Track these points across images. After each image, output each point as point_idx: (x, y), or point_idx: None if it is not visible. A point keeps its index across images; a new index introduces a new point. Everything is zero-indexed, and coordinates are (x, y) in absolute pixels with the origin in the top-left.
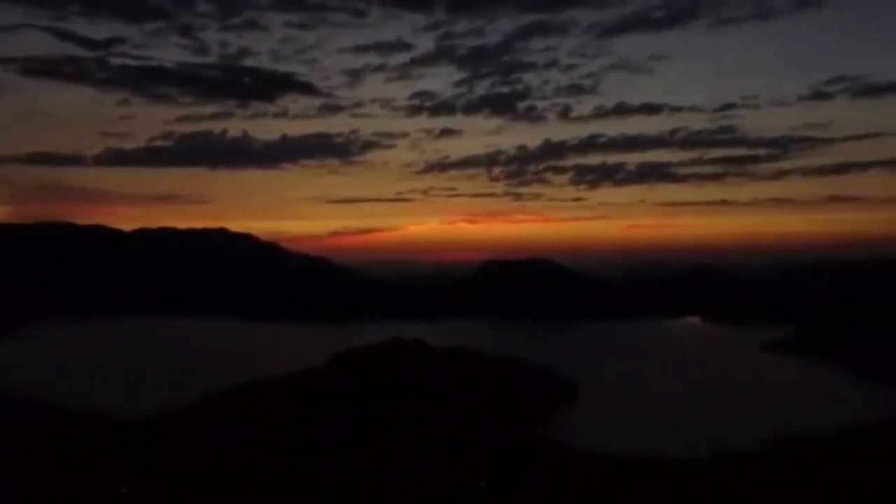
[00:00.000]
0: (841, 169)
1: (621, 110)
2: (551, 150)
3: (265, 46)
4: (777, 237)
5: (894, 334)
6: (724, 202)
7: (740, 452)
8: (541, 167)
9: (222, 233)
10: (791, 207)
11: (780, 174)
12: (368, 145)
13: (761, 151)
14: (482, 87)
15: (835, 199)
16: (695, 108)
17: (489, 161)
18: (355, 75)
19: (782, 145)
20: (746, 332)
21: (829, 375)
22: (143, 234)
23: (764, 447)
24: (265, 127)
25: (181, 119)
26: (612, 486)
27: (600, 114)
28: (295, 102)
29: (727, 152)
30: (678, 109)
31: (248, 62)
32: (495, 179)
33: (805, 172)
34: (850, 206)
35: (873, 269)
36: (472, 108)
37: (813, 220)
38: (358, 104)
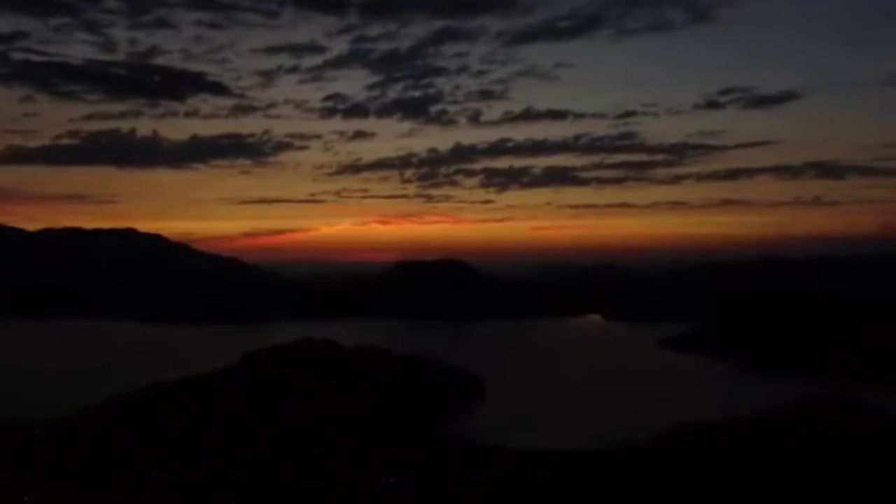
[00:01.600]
0: (732, 174)
1: (529, 116)
2: (462, 154)
3: (176, 45)
4: (674, 238)
5: (780, 329)
6: (624, 205)
7: (639, 444)
8: (451, 170)
9: (131, 233)
10: (687, 210)
11: (677, 179)
12: (281, 146)
13: (659, 157)
14: (395, 91)
15: (727, 203)
16: (598, 115)
17: (401, 163)
18: (268, 76)
19: (678, 152)
20: (645, 328)
21: (721, 369)
22: (48, 235)
23: (662, 438)
24: (175, 126)
25: (88, 117)
26: (519, 480)
27: (509, 119)
28: (206, 102)
29: (628, 157)
30: (582, 116)
31: (158, 61)
32: (407, 181)
33: (699, 177)
34: (741, 210)
35: (762, 268)
36: (384, 112)
37: (707, 223)
38: (271, 105)
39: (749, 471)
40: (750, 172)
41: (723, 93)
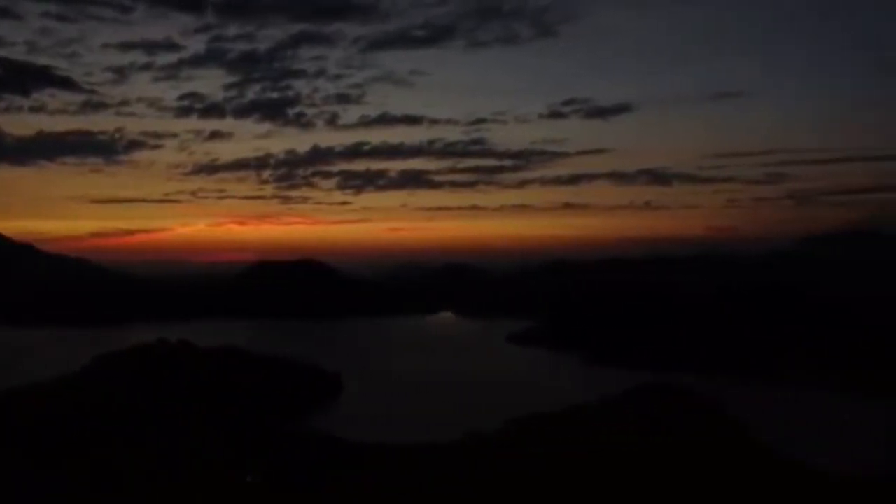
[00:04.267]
0: (574, 179)
1: (385, 120)
2: (319, 156)
3: (20, 37)
4: (521, 239)
5: (619, 324)
6: (475, 207)
7: (489, 433)
8: (309, 171)
9: None
10: (532, 213)
11: (523, 183)
12: (134, 145)
13: (507, 162)
14: (253, 92)
15: (569, 206)
16: (451, 121)
17: (259, 164)
18: (121, 73)
19: (525, 157)
20: (495, 324)
21: (565, 361)
22: None
23: (510, 426)
24: (20, 121)
25: None
26: (376, 474)
27: (365, 123)
28: (54, 97)
29: (478, 162)
30: (436, 121)
31: (1, 52)
32: (265, 182)
33: (544, 182)
34: (582, 213)
35: (601, 267)
36: (242, 112)
37: (551, 224)
38: (123, 102)
39: (589, 454)
40: (589, 178)
41: (565, 103)
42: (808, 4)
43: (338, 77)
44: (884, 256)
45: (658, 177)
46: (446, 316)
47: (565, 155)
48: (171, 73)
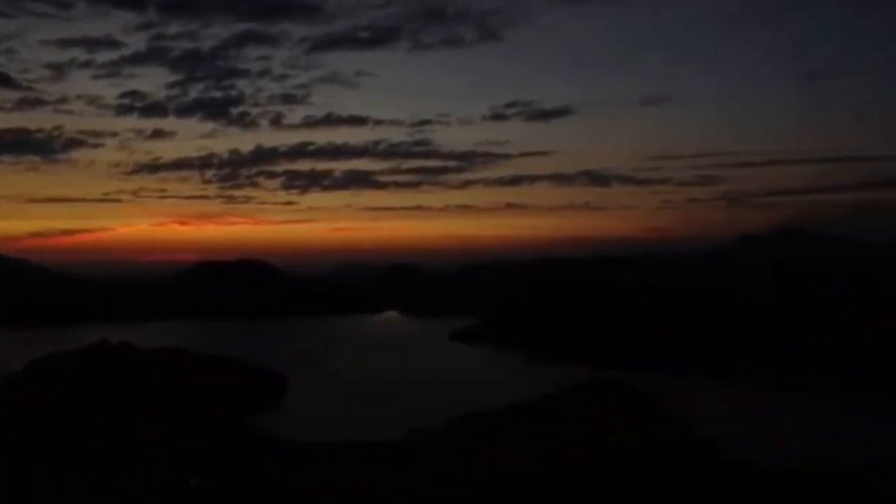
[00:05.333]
0: (516, 181)
1: (330, 121)
2: (263, 156)
3: None
4: (464, 239)
5: (560, 322)
6: (419, 207)
7: (432, 431)
8: (253, 171)
9: None
10: (475, 213)
11: (467, 184)
12: (73, 143)
13: (451, 163)
14: (196, 91)
15: (511, 207)
16: (395, 122)
17: (202, 164)
18: (59, 70)
19: (468, 159)
20: (438, 323)
21: (507, 359)
22: None
23: (453, 424)
24: None
25: None
26: (320, 473)
27: (310, 123)
28: None
29: (422, 163)
30: (381, 122)
31: None
32: (208, 182)
33: (487, 183)
34: (523, 213)
35: (543, 266)
36: (184, 111)
37: (493, 225)
38: (62, 100)
39: (530, 451)
40: (531, 179)
41: (508, 105)
42: (740, 13)
43: (283, 77)
44: (810, 255)
45: (597, 178)
46: (391, 315)
47: (508, 156)
48: (111, 70)
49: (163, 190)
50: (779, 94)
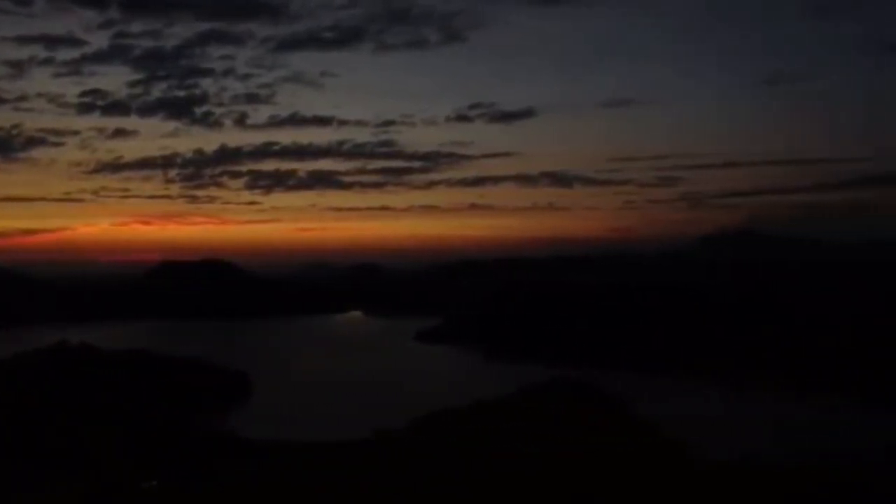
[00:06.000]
0: (479, 181)
1: (294, 121)
2: (228, 156)
3: None
4: (428, 239)
5: (523, 321)
6: (384, 208)
7: (396, 431)
8: (217, 171)
9: None
10: (439, 214)
11: (431, 184)
12: (33, 142)
13: (415, 164)
14: (158, 90)
15: (474, 207)
16: (360, 123)
17: (165, 163)
18: (19, 67)
19: (432, 159)
20: (403, 323)
21: (471, 358)
22: None
23: (417, 423)
24: None
25: None
26: (282, 473)
27: (275, 123)
28: None
29: (387, 164)
30: (345, 123)
31: None
32: (171, 182)
33: (451, 183)
34: (487, 214)
35: (506, 266)
36: (147, 110)
37: (457, 225)
38: (21, 98)
39: (493, 449)
40: (494, 180)
41: (471, 107)
42: (700, 17)
43: (247, 77)
44: (767, 255)
45: (560, 179)
46: (355, 315)
47: (471, 157)
48: (72, 68)
49: (125, 189)
50: (737, 97)
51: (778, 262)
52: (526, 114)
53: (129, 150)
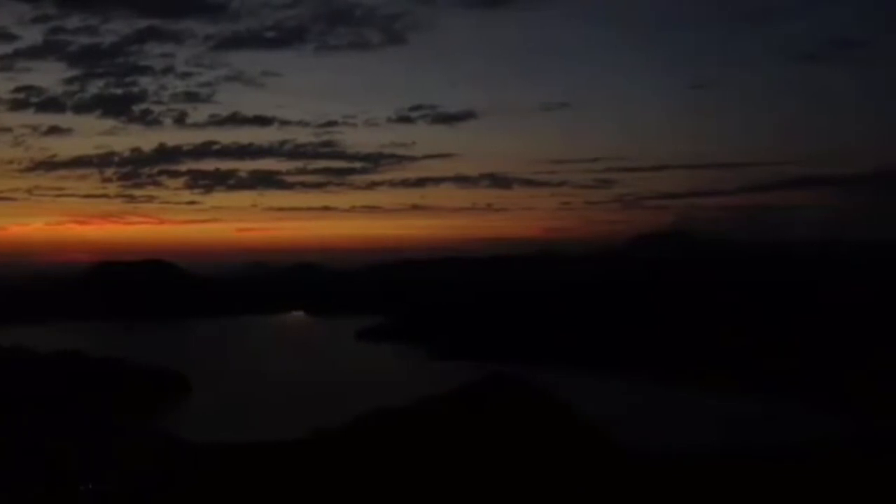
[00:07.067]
0: (421, 182)
1: (235, 120)
2: (167, 155)
3: None
4: (371, 240)
5: (463, 319)
6: (326, 208)
7: (334, 430)
8: (156, 170)
9: None
10: (382, 214)
11: (373, 185)
12: None
13: (357, 165)
14: (95, 87)
15: (416, 208)
16: (302, 123)
17: (101, 162)
18: None
19: (374, 160)
20: (344, 322)
21: (413, 356)
22: None
23: (358, 422)
24: None
25: None
26: (219, 474)
27: (215, 122)
28: None
29: (329, 164)
30: (287, 123)
31: None
32: (108, 181)
33: (393, 184)
34: (428, 214)
35: (447, 266)
36: (83, 108)
37: (399, 225)
38: None
39: (432, 446)
40: (435, 181)
41: (413, 109)
42: (633, 22)
43: (187, 75)
44: (695, 255)
45: (499, 181)
46: (297, 315)
47: (413, 159)
48: (5, 64)
49: (60, 188)
50: (667, 101)
51: (705, 262)
52: (467, 116)
53: (65, 148)
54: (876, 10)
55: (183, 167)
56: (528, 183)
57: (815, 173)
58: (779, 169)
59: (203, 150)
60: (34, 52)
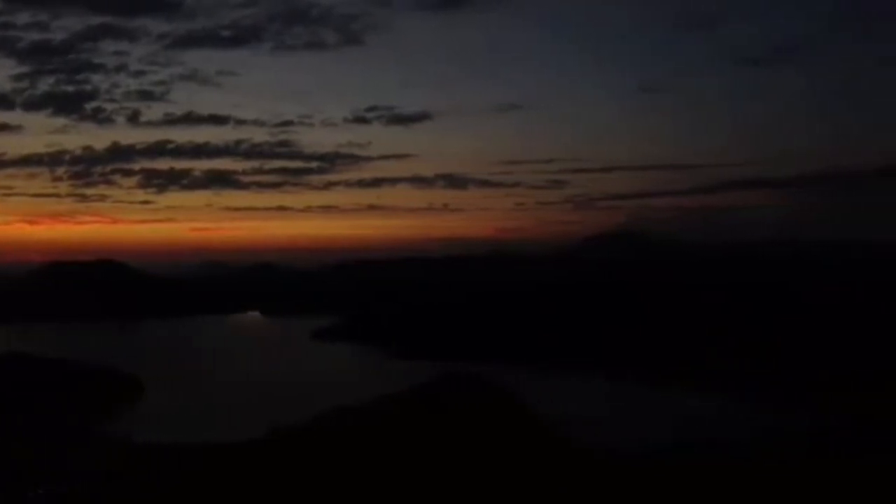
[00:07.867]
0: (376, 182)
1: (190, 119)
2: (119, 153)
3: None
4: (327, 240)
5: (419, 319)
6: (281, 208)
7: (290, 430)
8: (108, 169)
9: None
10: (338, 214)
11: (329, 185)
12: None
13: (314, 164)
14: (46, 84)
15: (372, 208)
16: (258, 123)
17: (52, 161)
18: None
19: (330, 160)
20: (300, 322)
21: (369, 355)
22: None
23: (316, 421)
24: None
25: None
26: (173, 475)
27: (170, 121)
28: None
29: (285, 164)
30: (243, 122)
31: None
32: (59, 180)
33: (349, 184)
34: (384, 214)
35: (403, 265)
36: (33, 105)
37: (355, 226)
38: None
39: (388, 443)
40: (391, 181)
41: (369, 109)
42: (585, 27)
43: (140, 73)
44: (645, 256)
45: (454, 181)
46: (252, 315)
47: (369, 159)
48: None
49: (8, 188)
50: (617, 103)
51: (654, 262)
52: (422, 117)
53: (14, 146)
54: (820, 15)
55: (136, 166)
56: (484, 183)
57: (766, 175)
58: (729, 170)
59: (157, 149)
60: None
